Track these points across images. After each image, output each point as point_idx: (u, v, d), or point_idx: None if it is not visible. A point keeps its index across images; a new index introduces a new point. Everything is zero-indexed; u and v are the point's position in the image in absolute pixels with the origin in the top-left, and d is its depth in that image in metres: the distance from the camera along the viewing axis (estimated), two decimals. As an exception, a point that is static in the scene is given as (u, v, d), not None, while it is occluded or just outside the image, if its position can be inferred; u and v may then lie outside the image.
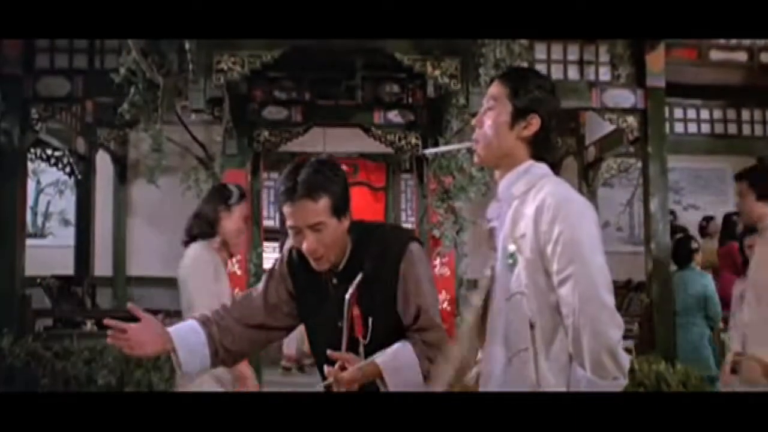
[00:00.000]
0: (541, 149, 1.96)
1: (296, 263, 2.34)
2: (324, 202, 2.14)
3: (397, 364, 2.17)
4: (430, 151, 5.49)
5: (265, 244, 7.80)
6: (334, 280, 2.28)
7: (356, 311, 2.23)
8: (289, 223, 2.17)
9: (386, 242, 2.28)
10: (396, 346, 2.19)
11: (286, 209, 2.16)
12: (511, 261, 1.87)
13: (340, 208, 2.18)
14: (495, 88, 1.99)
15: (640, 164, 6.84)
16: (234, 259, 6.14)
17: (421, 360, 2.17)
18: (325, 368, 2.18)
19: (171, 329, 2.19)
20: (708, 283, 5.79)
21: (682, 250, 5.97)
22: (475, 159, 2.03)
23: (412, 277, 2.21)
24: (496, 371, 1.90)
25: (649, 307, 6.20)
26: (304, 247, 2.18)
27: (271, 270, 2.41)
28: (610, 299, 1.78)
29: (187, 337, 2.21)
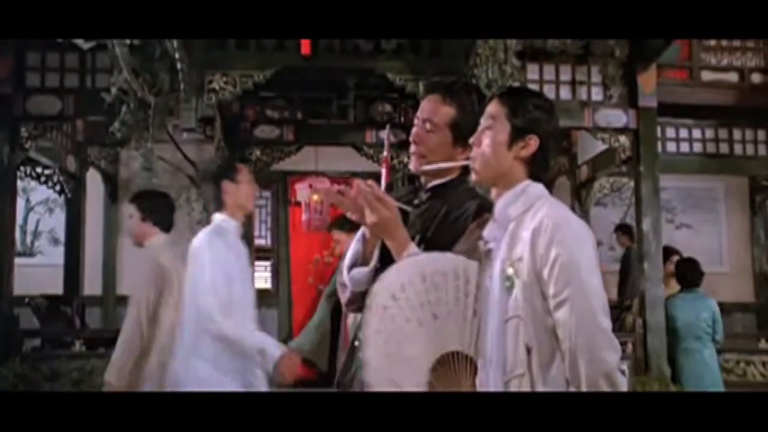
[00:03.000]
0: (538, 169, 1.95)
1: None
2: (448, 110, 2.17)
3: None
4: (426, 168, 5.47)
5: (257, 263, 7.77)
6: (424, 196, 2.27)
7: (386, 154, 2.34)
8: (417, 113, 2.22)
9: (474, 198, 2.18)
10: None
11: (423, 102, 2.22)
12: (508, 284, 1.85)
13: (459, 127, 2.15)
14: (494, 107, 1.97)
15: (632, 183, 6.86)
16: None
17: None
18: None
19: None
20: (715, 307, 5.77)
21: (693, 272, 5.89)
22: (472, 177, 2.01)
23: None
24: (492, 395, 1.87)
25: (642, 327, 6.17)
26: (413, 132, 2.20)
27: None
28: (606, 323, 1.77)
29: None
